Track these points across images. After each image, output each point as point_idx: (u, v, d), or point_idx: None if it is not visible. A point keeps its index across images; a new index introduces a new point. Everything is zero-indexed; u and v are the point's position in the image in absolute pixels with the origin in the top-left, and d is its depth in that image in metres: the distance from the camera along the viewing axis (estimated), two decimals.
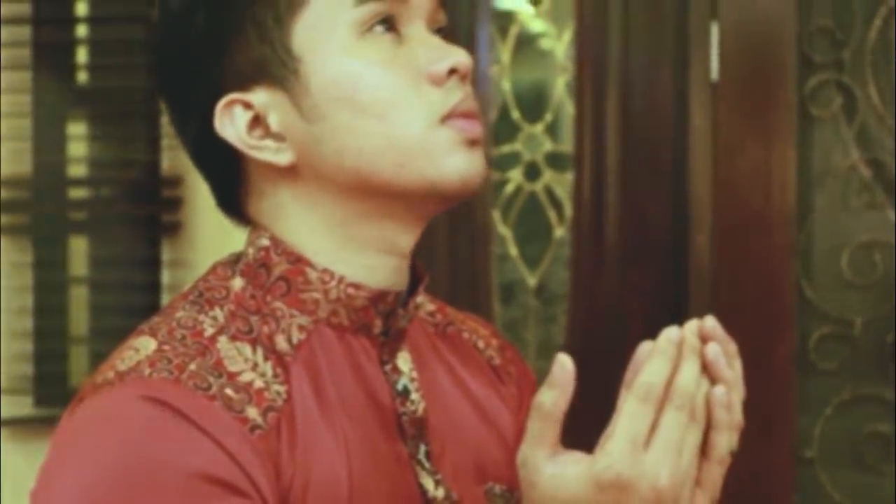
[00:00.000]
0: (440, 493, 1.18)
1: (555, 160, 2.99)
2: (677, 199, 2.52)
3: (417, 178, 1.13)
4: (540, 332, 2.98)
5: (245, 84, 1.14)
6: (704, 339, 1.07)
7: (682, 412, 1.05)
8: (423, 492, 1.17)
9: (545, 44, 3.03)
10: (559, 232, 2.97)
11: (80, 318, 3.01)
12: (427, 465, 1.18)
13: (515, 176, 2.99)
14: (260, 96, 1.14)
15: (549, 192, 2.99)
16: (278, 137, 1.14)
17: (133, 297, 2.93)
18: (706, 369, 1.07)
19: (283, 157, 1.14)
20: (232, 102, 1.14)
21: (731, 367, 1.07)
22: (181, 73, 1.17)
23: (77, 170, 3.03)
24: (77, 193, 3.04)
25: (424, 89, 1.14)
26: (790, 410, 2.44)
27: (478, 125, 1.15)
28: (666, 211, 2.53)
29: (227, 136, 1.14)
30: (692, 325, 1.07)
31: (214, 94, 1.14)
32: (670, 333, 1.06)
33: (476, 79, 2.72)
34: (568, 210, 2.92)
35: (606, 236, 2.55)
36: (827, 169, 2.49)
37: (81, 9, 3.06)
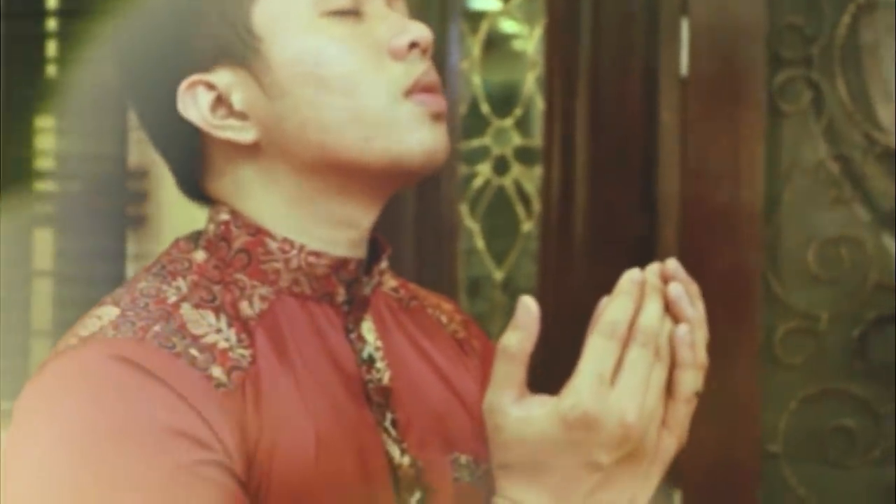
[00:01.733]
0: (406, 460, 1.17)
1: (524, 154, 2.98)
2: (646, 193, 2.52)
3: (382, 153, 1.13)
4: (506, 325, 2.96)
5: (207, 65, 1.15)
6: (666, 280, 1.06)
7: (646, 349, 1.04)
8: (389, 459, 1.16)
9: (516, 40, 3.03)
10: (527, 226, 2.97)
11: (44, 311, 2.99)
12: (393, 433, 1.18)
13: (484, 170, 2.99)
14: (222, 76, 1.14)
15: (518, 187, 2.98)
16: (241, 116, 1.15)
17: (98, 291, 2.91)
18: (669, 309, 1.06)
19: (247, 135, 1.15)
20: (194, 84, 1.14)
21: (693, 306, 1.06)
22: (143, 59, 1.17)
23: (44, 163, 3.02)
24: (43, 186, 3.03)
25: (386, 63, 1.14)
26: (755, 404, 2.44)
27: (441, 99, 1.16)
28: (634, 206, 2.53)
29: (191, 117, 1.15)
30: (654, 267, 1.07)
31: (176, 76, 1.15)
32: (632, 274, 1.06)
33: (446, 74, 2.73)
34: (536, 204, 2.91)
35: (574, 231, 2.55)
36: (795, 164, 2.49)
37: (52, 2, 3.05)
